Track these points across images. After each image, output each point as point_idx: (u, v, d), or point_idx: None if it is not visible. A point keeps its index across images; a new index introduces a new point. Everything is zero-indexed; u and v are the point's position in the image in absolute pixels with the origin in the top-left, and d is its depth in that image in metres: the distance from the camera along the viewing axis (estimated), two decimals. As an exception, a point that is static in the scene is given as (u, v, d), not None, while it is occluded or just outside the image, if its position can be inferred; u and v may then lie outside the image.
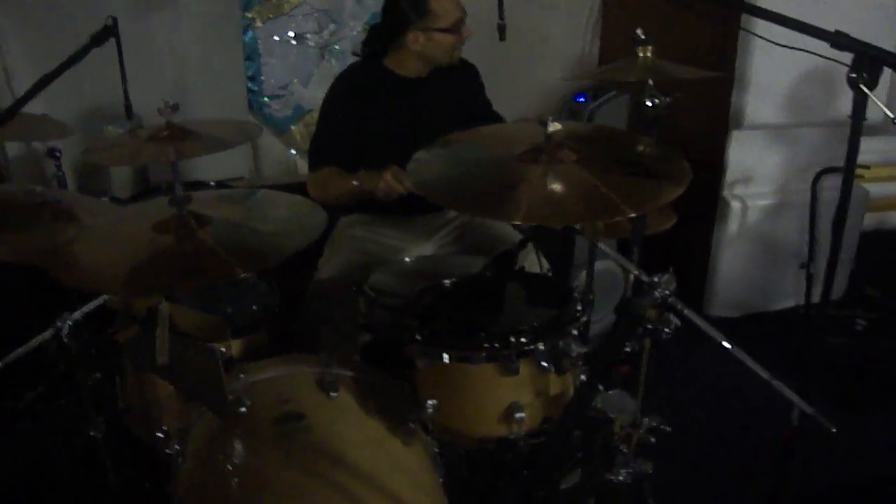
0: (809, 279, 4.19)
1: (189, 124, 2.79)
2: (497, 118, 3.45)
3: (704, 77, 2.76)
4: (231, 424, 2.11)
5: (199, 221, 2.09)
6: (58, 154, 3.20)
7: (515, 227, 3.26)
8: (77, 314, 2.27)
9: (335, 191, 3.14)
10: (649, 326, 2.01)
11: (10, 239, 2.55)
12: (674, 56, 2.81)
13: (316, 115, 4.61)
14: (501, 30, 2.64)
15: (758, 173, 4.33)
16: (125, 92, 2.85)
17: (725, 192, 4.30)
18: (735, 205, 4.28)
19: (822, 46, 2.00)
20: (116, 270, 2.04)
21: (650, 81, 2.61)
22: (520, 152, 2.16)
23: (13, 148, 4.50)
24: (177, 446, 2.16)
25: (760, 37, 2.37)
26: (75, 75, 2.56)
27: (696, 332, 2.18)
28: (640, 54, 2.74)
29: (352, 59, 3.44)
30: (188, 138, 2.73)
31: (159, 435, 2.26)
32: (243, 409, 2.13)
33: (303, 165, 5.07)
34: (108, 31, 2.56)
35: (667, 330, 2.02)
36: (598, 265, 3.00)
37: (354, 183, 3.05)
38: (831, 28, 1.97)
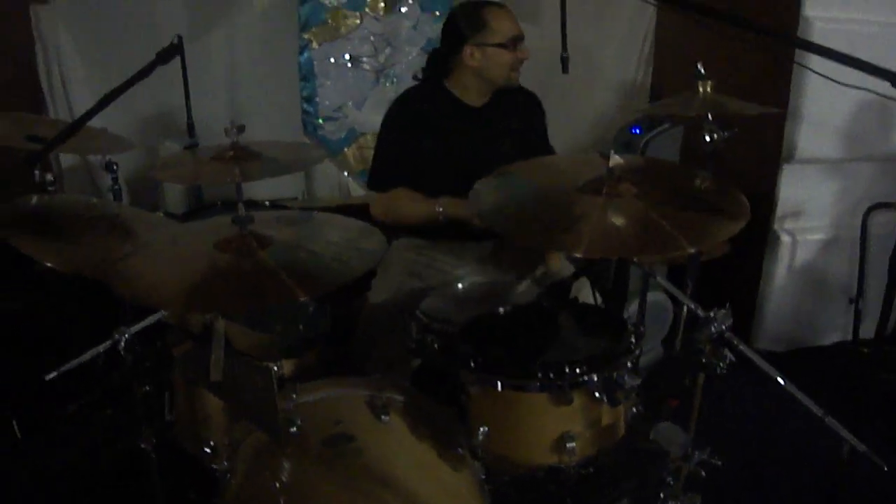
0: (858, 314, 4.17)
1: (253, 146, 2.82)
2: (550, 151, 3.42)
3: (764, 113, 2.75)
4: (281, 443, 2.12)
5: (261, 242, 2.11)
6: (115, 168, 3.23)
7: (568, 257, 3.25)
8: (135, 327, 2.29)
9: (410, 213, 3.16)
10: (704, 361, 2.01)
11: (67, 250, 2.59)
12: (727, 89, 2.81)
13: (370, 138, 4.69)
14: (564, 62, 2.63)
15: (808, 207, 4.30)
16: (188, 109, 2.87)
17: (776, 226, 4.27)
18: (785, 239, 4.25)
19: (877, 82, 1.99)
20: (176, 287, 2.06)
21: (710, 116, 2.61)
22: (580, 184, 2.16)
23: (67, 159, 4.54)
24: (225, 462, 2.17)
25: (817, 72, 2.36)
26: (133, 90, 2.57)
27: (747, 365, 2.17)
28: (700, 89, 2.75)
29: (408, 84, 3.44)
30: (252, 159, 2.75)
31: (207, 450, 2.27)
32: (294, 429, 2.13)
33: (355, 188, 5.13)
34: (174, 49, 2.58)
35: (721, 365, 2.02)
36: (648, 296, 3.00)
37: (439, 209, 3.05)
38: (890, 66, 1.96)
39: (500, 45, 3.08)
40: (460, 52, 3.12)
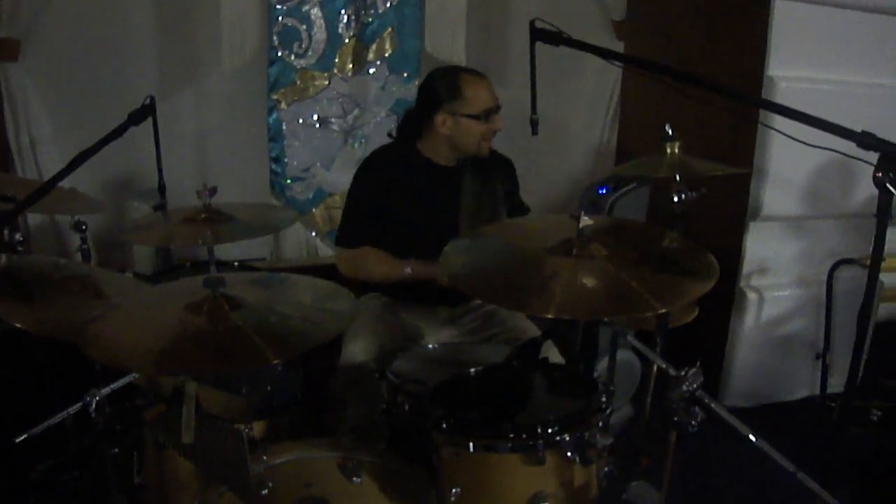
0: (825, 369, 4.20)
1: (225, 207, 2.82)
2: (525, 209, 3.43)
3: (731, 173, 2.79)
4: (252, 506, 2.11)
5: (231, 304, 2.10)
6: (84, 227, 3.21)
7: (534, 319, 3.26)
8: (106, 390, 2.27)
9: (377, 272, 3.18)
10: (676, 419, 2.03)
11: (37, 310, 2.57)
12: (692, 149, 2.85)
13: (338, 199, 4.72)
14: (534, 124, 2.66)
15: (774, 264, 4.36)
16: (160, 170, 2.90)
17: (742, 283, 4.32)
18: (752, 295, 4.29)
19: (840, 141, 2.03)
20: (147, 349, 2.04)
21: (678, 176, 2.64)
22: (550, 245, 2.18)
23: (34, 218, 4.52)
24: (195, 526, 2.16)
25: (781, 132, 2.39)
26: (101, 150, 2.57)
27: (717, 422, 2.18)
28: (668, 150, 2.78)
29: (376, 144, 3.46)
30: (224, 221, 2.75)
31: (177, 513, 2.27)
32: (265, 492, 2.12)
33: (323, 248, 5.13)
34: (146, 110, 2.60)
35: (693, 423, 2.03)
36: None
37: (408, 271, 3.07)
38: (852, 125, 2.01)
39: (473, 117, 3.09)
40: (433, 117, 3.13)
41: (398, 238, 3.16)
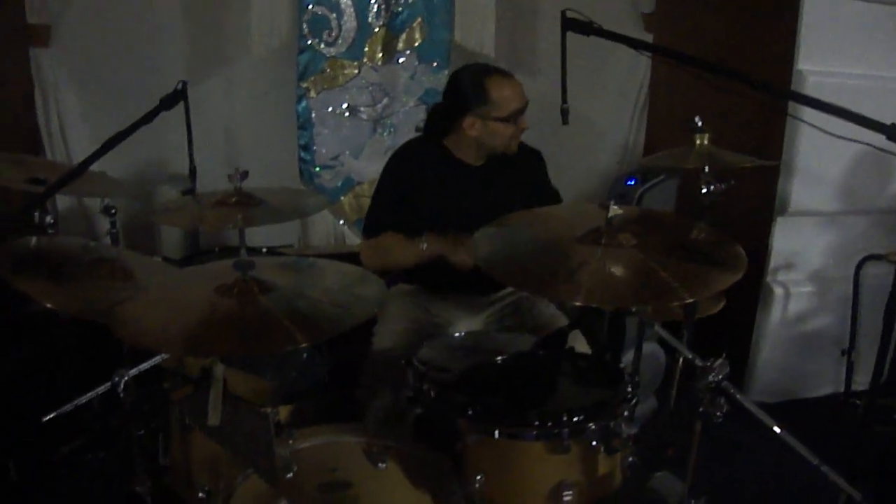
0: (851, 366, 4.17)
1: (257, 192, 2.83)
2: (557, 197, 3.42)
3: (759, 166, 2.78)
4: (277, 489, 2.12)
5: (262, 288, 2.12)
6: (114, 211, 3.23)
7: (561, 308, 3.27)
8: (134, 371, 2.29)
9: (396, 255, 3.15)
10: (701, 409, 2.02)
11: (67, 291, 2.58)
12: (720, 141, 2.84)
13: (366, 187, 4.70)
14: (564, 113, 2.65)
15: (801, 260, 4.32)
16: (190, 155, 2.90)
17: (769, 278, 4.29)
18: (778, 291, 4.26)
19: (870, 135, 2.02)
20: (177, 330, 2.07)
21: (706, 168, 2.64)
22: (579, 235, 2.18)
23: (63, 202, 4.55)
24: (220, 507, 2.17)
25: (811, 124, 2.38)
26: (130, 136, 2.59)
27: (742, 415, 2.17)
28: (697, 141, 2.77)
29: (405, 134, 3.46)
30: (255, 206, 2.76)
31: (201, 495, 2.28)
32: (290, 475, 2.13)
33: (351, 236, 5.14)
34: (178, 95, 2.60)
35: (718, 414, 2.03)
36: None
37: (423, 247, 3.04)
38: (882, 119, 1.99)
39: (502, 120, 3.06)
40: (461, 120, 3.11)
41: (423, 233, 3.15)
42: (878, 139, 2.02)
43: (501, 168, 3.24)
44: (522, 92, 3.10)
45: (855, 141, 2.19)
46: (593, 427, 2.20)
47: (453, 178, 3.21)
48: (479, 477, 2.22)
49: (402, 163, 3.26)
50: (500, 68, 3.17)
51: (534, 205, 3.07)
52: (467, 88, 3.10)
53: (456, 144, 3.21)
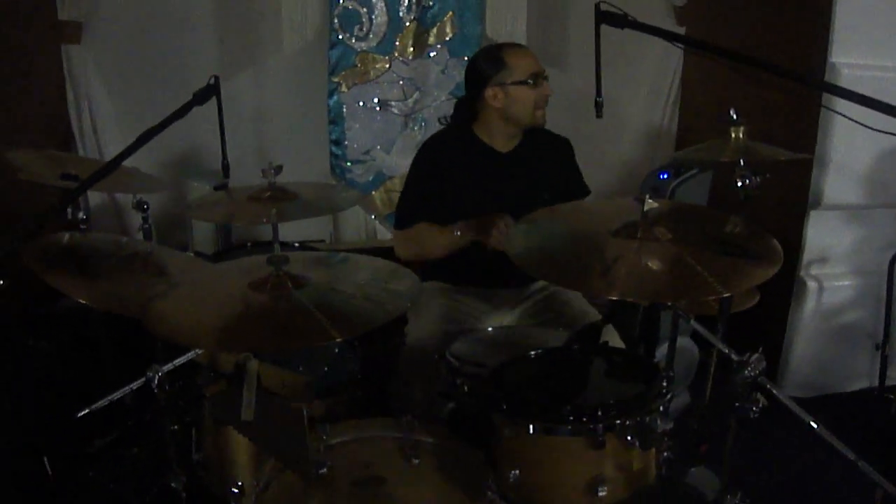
0: (885, 361, 4.14)
1: (290, 186, 2.83)
2: (586, 190, 3.43)
3: (794, 159, 2.75)
4: (310, 485, 2.12)
5: (296, 282, 2.12)
6: (146, 207, 3.24)
7: (594, 303, 3.26)
8: (168, 366, 2.29)
9: (430, 244, 3.18)
10: (737, 405, 2.01)
11: (100, 287, 2.60)
12: (753, 134, 2.81)
13: (398, 182, 4.70)
14: (599, 107, 2.64)
15: (835, 254, 4.29)
16: (223, 150, 2.90)
17: (802, 272, 4.25)
18: (812, 285, 4.23)
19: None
20: (211, 325, 2.08)
21: (741, 161, 2.62)
22: (614, 229, 2.17)
23: (95, 197, 4.57)
24: (254, 503, 2.17)
25: (846, 116, 2.36)
26: (162, 131, 2.59)
27: (777, 410, 2.16)
28: (733, 134, 2.75)
29: (436, 128, 3.46)
30: (288, 200, 2.76)
31: (234, 490, 2.29)
32: (324, 471, 2.13)
33: (382, 231, 5.15)
34: (211, 90, 2.60)
35: (754, 409, 2.02)
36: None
37: (457, 234, 3.06)
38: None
39: (521, 83, 3.10)
40: (483, 94, 3.14)
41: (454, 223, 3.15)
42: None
43: (531, 154, 3.25)
44: (537, 60, 3.15)
45: (890, 133, 2.17)
46: (628, 422, 2.18)
47: (483, 166, 3.22)
48: (513, 472, 2.20)
49: (431, 153, 3.28)
50: (513, 42, 3.19)
51: (563, 192, 3.07)
52: (483, 62, 3.16)
53: (484, 127, 3.24)
